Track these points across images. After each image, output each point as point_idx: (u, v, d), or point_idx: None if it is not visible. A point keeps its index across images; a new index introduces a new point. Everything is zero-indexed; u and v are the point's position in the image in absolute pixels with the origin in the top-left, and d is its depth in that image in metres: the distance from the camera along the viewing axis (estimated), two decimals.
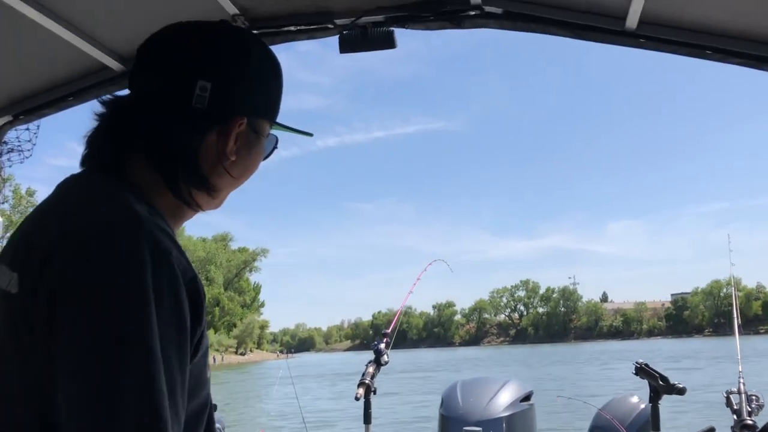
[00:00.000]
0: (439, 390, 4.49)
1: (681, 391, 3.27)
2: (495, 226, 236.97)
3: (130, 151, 1.13)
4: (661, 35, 2.00)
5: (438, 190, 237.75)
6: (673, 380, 3.33)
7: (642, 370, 3.38)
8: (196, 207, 1.19)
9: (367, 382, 3.42)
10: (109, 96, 1.18)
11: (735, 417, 3.51)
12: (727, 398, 3.65)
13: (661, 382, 3.29)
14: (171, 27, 1.21)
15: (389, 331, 3.74)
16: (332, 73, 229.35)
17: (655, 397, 3.28)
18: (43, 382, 0.94)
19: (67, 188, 1.12)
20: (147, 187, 1.11)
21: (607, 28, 2.02)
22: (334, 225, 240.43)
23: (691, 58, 2.04)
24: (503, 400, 3.95)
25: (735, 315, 4.67)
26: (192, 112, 1.12)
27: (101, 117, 1.16)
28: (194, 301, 0.99)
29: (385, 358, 3.58)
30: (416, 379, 38.10)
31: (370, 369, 3.49)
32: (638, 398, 4.28)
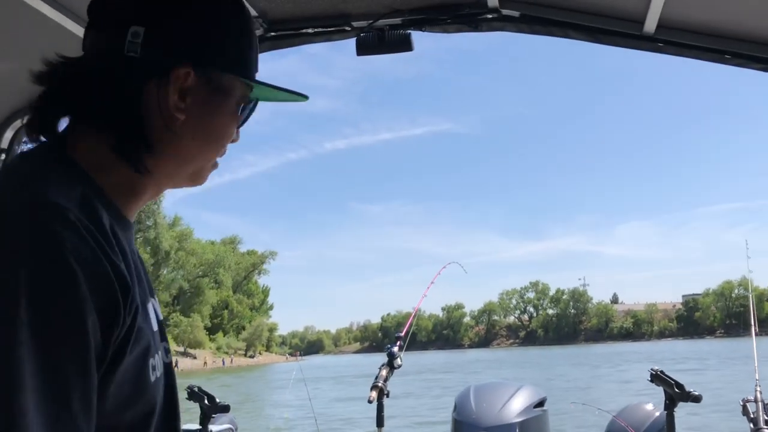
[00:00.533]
0: (449, 393, 4.47)
1: (696, 399, 3.24)
2: (504, 228, 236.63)
3: (78, 119, 1.02)
4: (679, 39, 1.99)
5: (446, 192, 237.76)
6: (688, 387, 3.29)
7: (657, 377, 3.35)
8: (146, 171, 1.02)
9: (380, 385, 3.41)
10: (57, 57, 1.04)
11: (751, 426, 3.49)
12: (744, 406, 3.63)
13: (676, 390, 3.26)
14: None
15: (402, 334, 3.72)
16: (339, 75, 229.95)
17: (670, 405, 3.25)
18: None
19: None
20: (90, 158, 0.99)
21: (625, 32, 2.02)
22: (342, 227, 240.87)
23: (710, 63, 2.04)
24: (516, 405, 3.92)
25: (752, 322, 4.62)
26: (126, 62, 0.99)
27: (41, 78, 1.04)
28: (106, 299, 0.84)
29: (399, 361, 3.57)
30: (423, 381, 38.04)
31: (383, 372, 3.48)
32: (653, 405, 4.24)
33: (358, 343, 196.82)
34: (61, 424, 0.77)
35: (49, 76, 1.03)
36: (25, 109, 2.48)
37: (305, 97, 1.18)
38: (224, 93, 1.06)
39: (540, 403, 4.03)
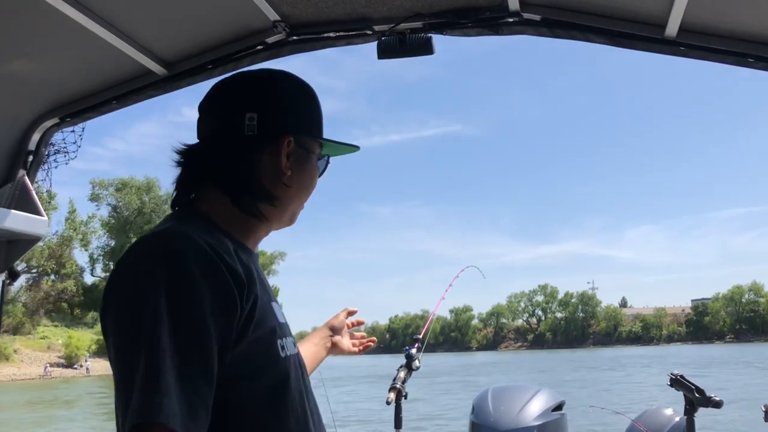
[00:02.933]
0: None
1: (717, 404, 3.20)
2: (514, 231, 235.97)
3: (204, 185, 1.39)
4: (701, 43, 1.98)
5: (456, 194, 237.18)
6: (709, 392, 3.26)
7: (677, 382, 3.33)
8: (263, 218, 1.40)
9: (398, 386, 3.41)
10: (182, 146, 1.42)
11: None
12: (766, 413, 3.60)
13: (696, 395, 3.22)
14: (216, 83, 1.46)
15: (421, 336, 3.72)
16: (349, 77, 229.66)
17: (690, 410, 3.22)
18: None
19: None
20: (217, 211, 1.36)
21: (646, 36, 2.01)
22: (351, 229, 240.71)
23: (731, 66, 2.03)
24: (535, 409, 3.91)
25: None
26: (247, 139, 1.36)
27: (179, 164, 1.41)
28: (224, 292, 1.16)
29: (417, 363, 3.56)
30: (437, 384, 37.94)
31: (401, 374, 3.47)
32: (673, 410, 4.21)
33: None
34: (189, 376, 1.08)
35: (187, 158, 1.41)
36: (52, 111, 2.51)
37: (357, 148, 1.59)
38: (310, 152, 1.45)
39: (558, 407, 4.02)
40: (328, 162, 1.54)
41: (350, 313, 2.18)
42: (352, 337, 2.19)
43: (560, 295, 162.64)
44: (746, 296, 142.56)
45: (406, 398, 3.43)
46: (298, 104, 1.46)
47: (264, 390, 1.24)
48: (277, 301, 1.40)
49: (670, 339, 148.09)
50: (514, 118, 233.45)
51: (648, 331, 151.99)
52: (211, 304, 1.13)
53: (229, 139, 1.37)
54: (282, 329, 1.33)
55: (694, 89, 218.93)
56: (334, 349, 2.11)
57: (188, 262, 1.14)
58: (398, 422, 3.45)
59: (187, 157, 1.41)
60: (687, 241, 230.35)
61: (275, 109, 1.41)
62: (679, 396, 3.40)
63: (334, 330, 2.12)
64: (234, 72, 1.51)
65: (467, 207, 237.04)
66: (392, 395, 3.38)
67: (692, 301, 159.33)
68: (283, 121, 1.41)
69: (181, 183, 1.41)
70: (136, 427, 1.04)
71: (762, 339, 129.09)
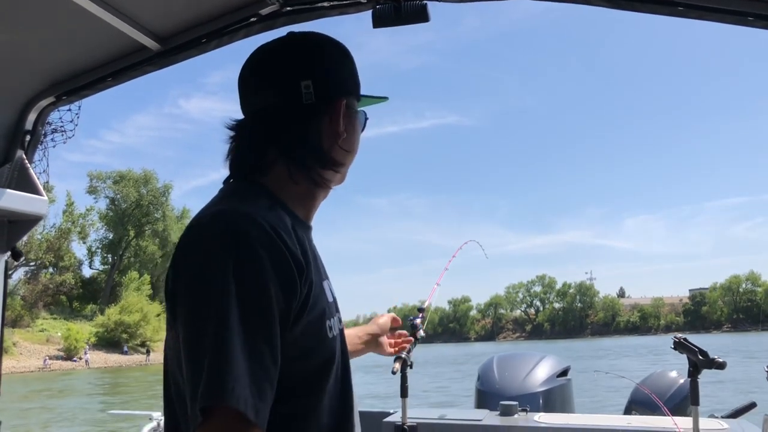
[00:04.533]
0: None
1: (721, 366, 3.23)
2: (511, 222, 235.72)
3: (264, 158, 1.39)
4: (700, 2, 1.95)
5: (452, 186, 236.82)
6: (712, 354, 3.29)
7: (681, 345, 3.35)
8: (326, 184, 1.45)
9: (403, 356, 3.41)
10: (231, 121, 1.43)
11: None
12: None
13: (700, 357, 3.25)
14: (253, 55, 1.45)
15: (425, 306, 3.73)
16: None
17: (694, 372, 3.24)
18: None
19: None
20: (279, 184, 1.38)
21: None
22: (347, 220, 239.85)
23: (734, 26, 1.98)
24: (540, 375, 3.92)
25: None
26: (306, 107, 1.38)
27: (233, 138, 1.43)
28: (285, 275, 1.18)
29: (421, 332, 3.58)
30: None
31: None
32: (677, 373, 4.25)
33: None
34: (257, 357, 1.10)
35: (243, 132, 1.42)
36: (48, 89, 2.51)
37: (386, 99, 1.62)
38: (355, 111, 1.48)
39: (563, 372, 4.03)
40: (366, 118, 1.57)
41: (395, 322, 2.33)
42: (390, 336, 2.33)
43: (558, 286, 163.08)
44: (743, 286, 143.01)
45: (411, 367, 3.44)
46: (343, 65, 1.47)
47: (311, 369, 1.27)
48: (328, 278, 1.43)
49: (668, 329, 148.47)
50: (512, 109, 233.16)
51: (646, 321, 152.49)
52: (276, 287, 1.16)
53: (290, 109, 1.38)
54: (330, 309, 1.35)
55: (691, 78, 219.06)
56: (378, 348, 2.25)
57: (255, 245, 1.16)
58: (404, 391, 3.47)
59: (243, 130, 1.42)
60: (684, 230, 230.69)
61: (327, 73, 1.42)
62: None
63: (380, 330, 2.24)
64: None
65: (463, 197, 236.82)
66: (398, 365, 3.38)
67: (690, 290, 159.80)
68: (336, 85, 1.43)
69: (239, 156, 1.41)
70: (205, 410, 1.06)
71: (759, 328, 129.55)
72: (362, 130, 1.54)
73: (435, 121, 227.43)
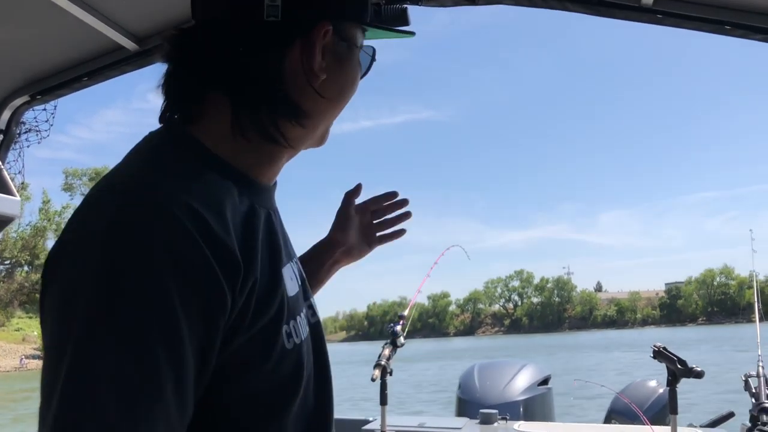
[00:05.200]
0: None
1: (699, 375, 3.25)
2: (487, 217, 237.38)
3: (207, 93, 0.97)
4: (678, 10, 1.95)
5: (428, 181, 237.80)
6: (691, 363, 3.31)
7: (660, 354, 3.36)
8: (286, 143, 0.99)
9: (383, 363, 3.40)
10: (173, 30, 1.00)
11: (753, 400, 3.51)
12: (746, 381, 3.65)
13: (679, 366, 3.26)
14: None
15: (405, 314, 3.71)
16: None
17: (672, 381, 3.25)
18: None
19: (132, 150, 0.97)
20: (219, 135, 0.96)
21: (623, 4, 1.98)
22: (324, 216, 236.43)
23: (709, 34, 2.01)
24: (521, 383, 3.93)
25: (756, 302, 4.64)
26: (266, 28, 0.95)
27: (169, 57, 0.99)
28: (208, 291, 0.80)
29: (401, 340, 3.56)
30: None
31: (386, 351, 3.47)
32: (657, 382, 4.28)
33: (344, 332, 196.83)
34: (152, 409, 0.74)
35: (179, 48, 0.98)
36: (23, 88, 2.45)
37: (412, 34, 1.19)
38: (351, 42, 1.02)
39: (544, 381, 4.05)
40: (374, 57, 1.13)
41: (353, 195, 1.55)
42: (365, 216, 1.55)
43: (536, 280, 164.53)
44: (717, 279, 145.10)
45: (391, 375, 3.43)
46: None
47: (264, 389, 0.92)
48: (293, 257, 1.07)
49: (645, 322, 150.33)
50: (486, 105, 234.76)
51: (623, 315, 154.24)
52: (184, 305, 0.77)
53: (241, 27, 0.95)
54: (292, 306, 0.97)
55: (665, 73, 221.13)
56: (348, 257, 1.53)
57: (151, 243, 0.78)
58: (384, 398, 3.46)
59: (181, 50, 0.98)
60: (659, 225, 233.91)
61: None
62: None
63: (343, 229, 1.51)
64: None
65: (440, 193, 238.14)
66: (377, 372, 3.37)
67: (666, 284, 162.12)
68: (320, 2, 0.99)
69: (171, 88, 0.99)
70: None
71: (733, 321, 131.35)
72: (363, 73, 1.09)
73: (409, 116, 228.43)
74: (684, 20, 1.98)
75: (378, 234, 1.57)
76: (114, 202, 0.81)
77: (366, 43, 1.09)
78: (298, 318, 0.98)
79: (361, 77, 1.09)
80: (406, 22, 2.19)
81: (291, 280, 1.00)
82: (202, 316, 0.79)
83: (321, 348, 1.06)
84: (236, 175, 0.95)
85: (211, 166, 0.92)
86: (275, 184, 1.06)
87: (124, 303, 0.75)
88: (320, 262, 1.48)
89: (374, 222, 1.57)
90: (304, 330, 0.99)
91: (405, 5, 2.14)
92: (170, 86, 0.98)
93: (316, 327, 1.06)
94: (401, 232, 1.59)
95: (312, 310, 1.08)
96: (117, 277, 0.76)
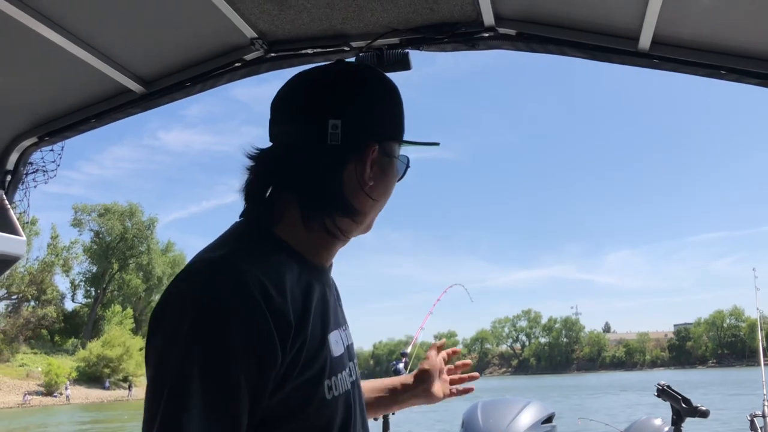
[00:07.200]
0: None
1: (704, 414, 3.23)
2: (494, 256, 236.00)
3: (281, 196, 1.28)
4: (674, 55, 2.00)
5: (435, 219, 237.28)
6: (695, 403, 3.28)
7: (664, 392, 3.35)
8: (342, 235, 1.31)
9: None
10: (254, 150, 1.31)
11: None
12: (752, 421, 3.62)
13: (683, 405, 3.24)
14: (291, 81, 1.35)
15: (408, 351, 3.70)
16: None
17: (677, 420, 3.23)
18: None
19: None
20: (290, 228, 1.26)
21: (620, 49, 2.03)
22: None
23: (706, 78, 2.04)
24: (524, 421, 3.89)
25: (760, 341, 4.62)
26: (330, 149, 1.25)
27: (250, 170, 1.31)
28: (262, 344, 1.06)
29: None
30: None
31: None
32: (661, 420, 4.22)
33: None
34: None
35: (260, 165, 1.30)
36: (31, 130, 2.51)
37: (436, 144, 1.48)
38: (391, 156, 1.35)
39: (548, 419, 4.00)
40: (408, 165, 1.43)
41: (440, 348, 1.96)
42: (449, 372, 1.94)
43: (544, 320, 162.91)
44: (727, 321, 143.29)
45: (393, 414, 3.40)
46: (383, 107, 1.36)
47: (302, 429, 1.16)
48: (341, 325, 1.33)
49: (654, 364, 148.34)
50: (493, 144, 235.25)
51: (631, 356, 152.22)
52: (248, 366, 1.05)
53: (312, 149, 1.26)
54: (335, 364, 1.23)
55: (671, 115, 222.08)
56: (428, 398, 1.83)
57: (228, 322, 1.05)
58: None
59: (261, 164, 1.30)
60: (667, 265, 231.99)
61: (360, 114, 1.30)
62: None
63: (425, 376, 1.84)
64: (312, 66, 1.41)
65: (446, 232, 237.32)
66: None
67: (675, 325, 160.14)
68: (369, 128, 1.31)
69: (251, 192, 1.30)
70: None
71: (744, 364, 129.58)
72: (400, 177, 1.41)
73: (415, 155, 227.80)
74: (680, 65, 2.03)
75: (451, 387, 1.93)
76: (205, 280, 1.09)
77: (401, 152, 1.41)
78: (339, 375, 1.23)
79: (398, 180, 1.40)
80: (407, 66, 2.26)
81: (336, 343, 1.26)
82: (257, 367, 1.06)
83: (356, 406, 1.30)
84: (299, 258, 1.24)
85: (280, 251, 1.21)
86: (331, 265, 1.37)
87: (205, 352, 1.03)
88: (398, 401, 1.84)
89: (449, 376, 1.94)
90: (345, 385, 1.25)
91: (407, 50, 2.21)
92: (251, 191, 1.30)
93: (353, 388, 1.30)
94: (470, 389, 1.98)
95: (353, 371, 1.34)
96: (201, 333, 1.04)
